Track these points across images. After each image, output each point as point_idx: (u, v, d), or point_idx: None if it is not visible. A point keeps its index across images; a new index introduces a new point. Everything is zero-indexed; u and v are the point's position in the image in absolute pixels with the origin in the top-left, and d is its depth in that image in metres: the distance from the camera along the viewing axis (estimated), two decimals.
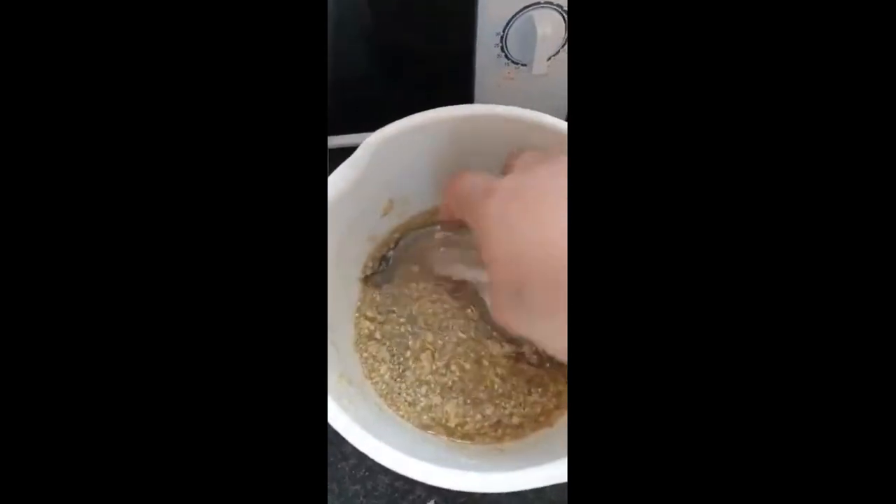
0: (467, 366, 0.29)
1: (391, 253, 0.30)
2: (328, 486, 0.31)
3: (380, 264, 0.31)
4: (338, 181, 0.26)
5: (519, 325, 0.22)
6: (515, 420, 0.28)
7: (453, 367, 0.29)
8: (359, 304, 0.30)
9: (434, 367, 0.29)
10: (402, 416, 0.28)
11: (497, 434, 0.28)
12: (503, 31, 0.30)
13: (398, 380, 0.29)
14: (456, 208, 0.24)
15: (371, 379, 0.29)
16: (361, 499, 0.31)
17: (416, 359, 0.29)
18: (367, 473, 0.32)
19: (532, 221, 0.20)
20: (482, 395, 0.28)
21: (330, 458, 0.32)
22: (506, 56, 0.31)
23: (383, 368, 0.29)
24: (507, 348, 0.29)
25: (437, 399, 0.28)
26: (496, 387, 0.29)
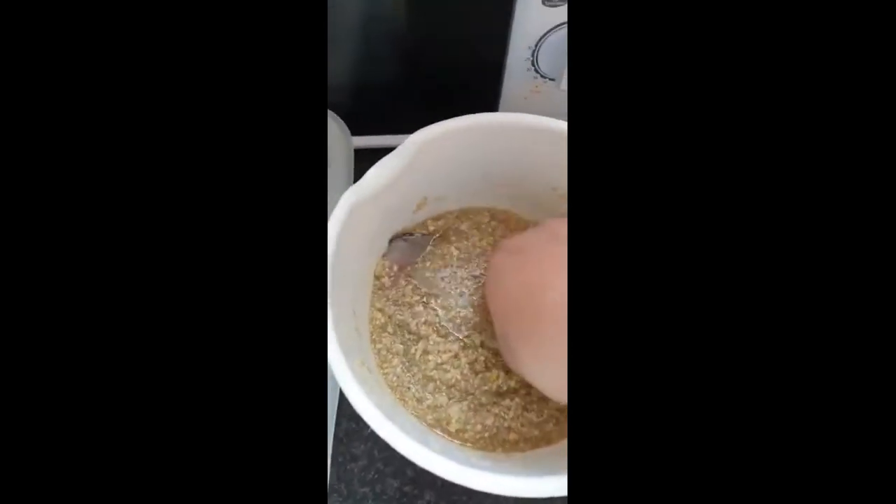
0: (476, 357, 0.29)
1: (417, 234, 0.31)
2: (336, 487, 0.31)
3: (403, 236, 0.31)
4: (380, 173, 0.27)
5: (510, 364, 0.27)
6: (512, 436, 0.28)
7: (461, 360, 0.29)
8: (371, 295, 0.31)
9: (440, 361, 0.29)
10: (411, 413, 0.28)
11: (493, 446, 0.28)
12: (535, 46, 0.31)
13: (408, 373, 0.29)
14: None
15: (383, 370, 0.29)
16: (370, 502, 0.31)
17: (425, 352, 0.29)
18: (376, 476, 0.31)
19: (518, 278, 0.25)
20: (484, 399, 0.28)
21: (339, 459, 0.32)
22: (535, 70, 0.32)
23: (395, 361, 0.29)
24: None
25: (442, 399, 0.28)
26: (500, 382, 0.29)
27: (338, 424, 0.32)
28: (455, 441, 0.28)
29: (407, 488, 0.31)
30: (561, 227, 0.26)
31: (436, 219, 0.32)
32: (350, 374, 0.23)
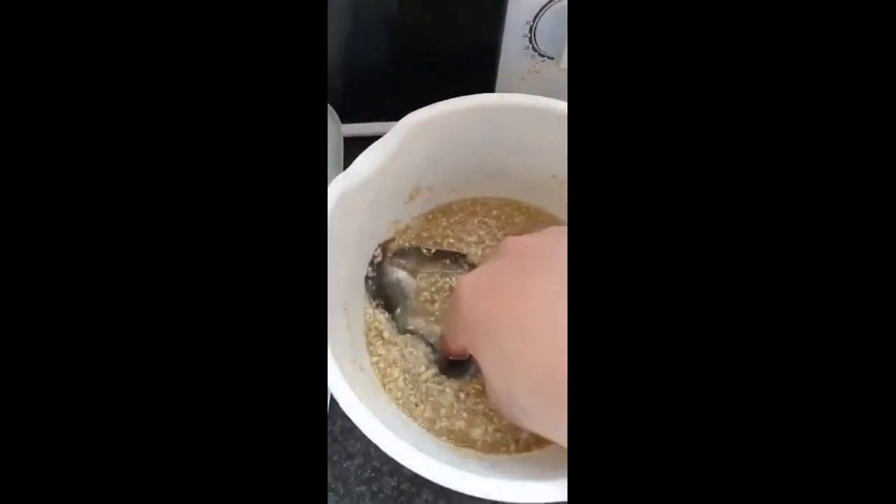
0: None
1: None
2: (333, 486, 0.30)
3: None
4: (371, 159, 0.25)
5: (510, 417, 0.22)
6: (524, 435, 0.27)
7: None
8: (366, 304, 0.29)
9: (461, 396, 0.27)
10: (408, 415, 0.27)
11: (504, 443, 0.27)
12: (533, 22, 0.29)
13: (412, 385, 0.27)
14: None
15: (384, 382, 0.28)
16: (367, 500, 0.30)
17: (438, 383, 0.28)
18: (372, 474, 0.30)
19: (515, 325, 0.20)
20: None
21: (334, 457, 0.31)
22: (533, 48, 0.30)
23: (396, 371, 0.28)
24: None
25: (460, 424, 0.27)
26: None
27: (332, 422, 0.31)
28: (460, 444, 0.26)
29: (404, 486, 0.30)
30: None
31: (431, 216, 0.31)
32: (340, 375, 0.22)
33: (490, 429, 0.27)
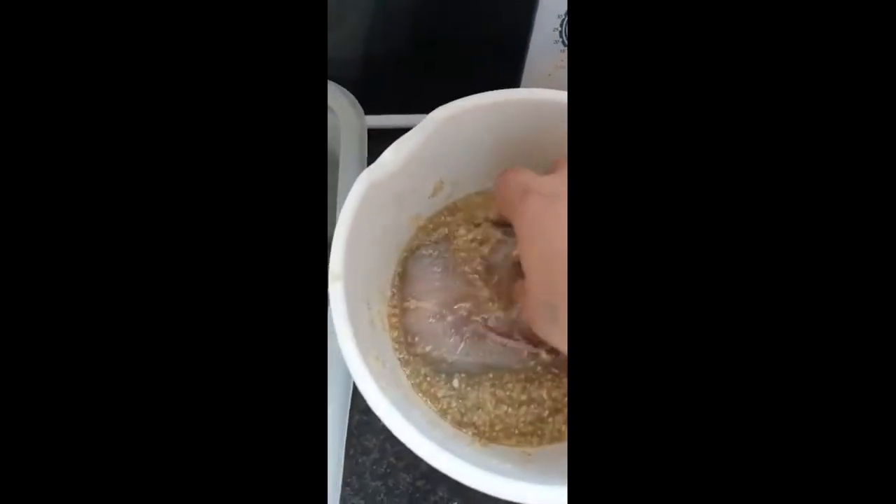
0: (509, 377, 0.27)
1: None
2: (348, 480, 0.30)
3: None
4: (398, 153, 0.25)
5: (549, 334, 0.23)
6: (550, 423, 0.27)
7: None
8: (393, 288, 0.29)
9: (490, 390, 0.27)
10: (432, 408, 0.27)
11: (528, 438, 0.26)
12: (565, 14, 0.28)
13: (437, 380, 0.27)
14: (501, 206, 0.25)
15: (405, 368, 0.27)
16: (382, 496, 0.30)
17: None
18: (388, 470, 0.30)
19: (564, 234, 0.21)
20: (519, 390, 0.27)
21: (350, 452, 0.31)
22: (563, 42, 0.30)
23: (420, 367, 0.27)
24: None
25: (487, 418, 0.27)
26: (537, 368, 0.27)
27: (350, 417, 0.31)
28: (483, 437, 0.26)
29: (420, 483, 0.30)
30: None
31: (453, 206, 0.30)
32: (365, 370, 0.21)
33: (518, 423, 0.27)
